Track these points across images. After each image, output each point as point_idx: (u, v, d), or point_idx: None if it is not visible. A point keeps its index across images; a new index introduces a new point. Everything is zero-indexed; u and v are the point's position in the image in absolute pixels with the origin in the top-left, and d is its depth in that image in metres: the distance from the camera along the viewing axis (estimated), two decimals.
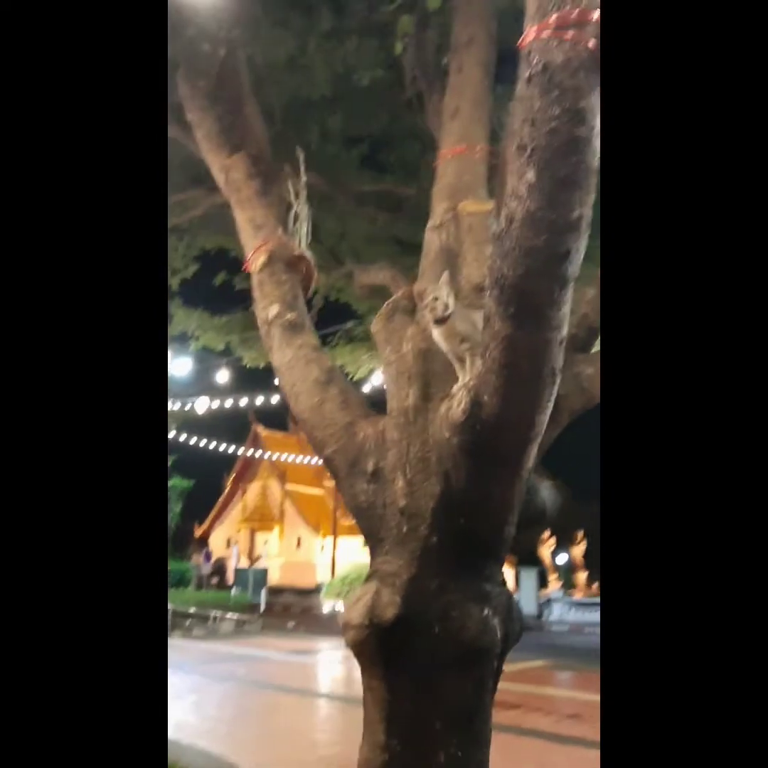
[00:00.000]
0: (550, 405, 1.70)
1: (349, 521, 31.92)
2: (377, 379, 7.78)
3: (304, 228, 2.66)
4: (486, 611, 1.88)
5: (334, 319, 6.76)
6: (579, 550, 32.81)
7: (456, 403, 1.78)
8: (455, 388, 1.86)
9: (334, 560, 23.77)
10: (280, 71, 4.22)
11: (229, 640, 15.02)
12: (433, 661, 1.86)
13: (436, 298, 1.85)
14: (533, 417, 1.68)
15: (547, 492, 2.38)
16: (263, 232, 2.62)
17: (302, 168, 2.71)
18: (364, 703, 1.99)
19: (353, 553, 28.30)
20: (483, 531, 1.89)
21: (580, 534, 32.32)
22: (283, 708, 8.98)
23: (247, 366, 6.60)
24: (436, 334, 1.88)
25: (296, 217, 2.67)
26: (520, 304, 1.53)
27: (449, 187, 2.27)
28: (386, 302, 2.22)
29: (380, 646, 1.89)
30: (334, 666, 12.53)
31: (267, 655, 13.23)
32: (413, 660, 1.87)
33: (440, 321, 1.85)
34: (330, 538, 26.71)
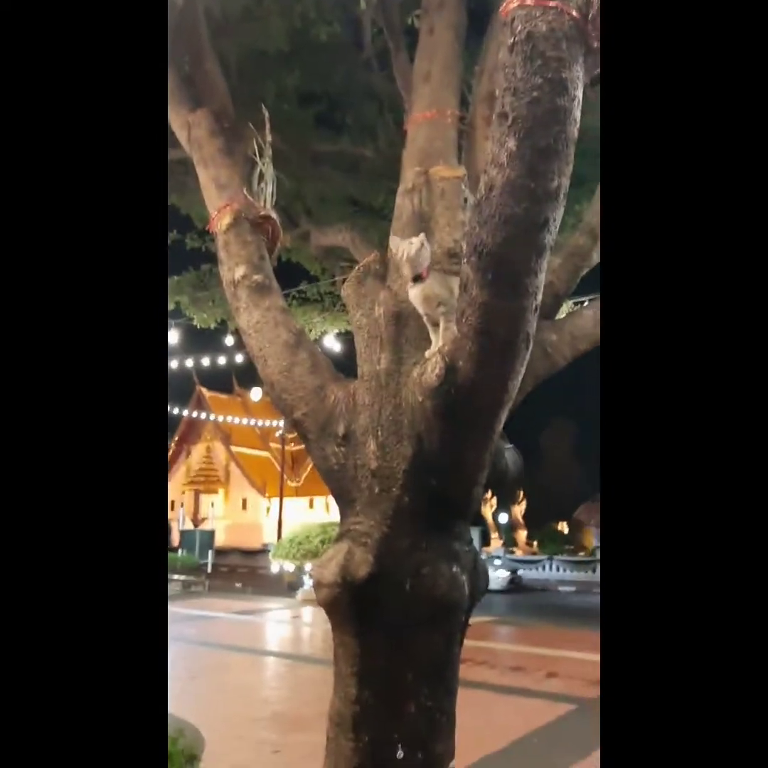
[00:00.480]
0: (523, 370, 1.75)
1: (295, 483, 32.00)
2: (329, 342, 7.78)
3: (269, 188, 2.62)
4: (455, 568, 1.94)
5: (286, 281, 6.69)
6: (519, 509, 33.82)
7: (430, 368, 1.81)
8: (429, 352, 1.89)
9: (280, 521, 23.85)
10: (235, 24, 4.09)
11: (177, 601, 15.00)
12: (404, 617, 1.92)
13: (411, 243, 1.87)
14: (506, 382, 1.72)
15: (509, 454, 2.45)
16: (228, 192, 2.57)
17: (267, 127, 2.66)
18: (335, 658, 2.05)
19: (300, 513, 28.43)
20: (454, 492, 1.95)
21: (521, 494, 33.27)
22: (233, 667, 9.08)
23: (199, 326, 6.49)
24: (413, 295, 1.90)
25: (261, 177, 2.62)
26: (498, 271, 1.56)
27: (420, 151, 2.26)
28: (358, 266, 2.22)
29: (353, 604, 1.94)
30: (281, 625, 12.68)
31: (215, 616, 13.29)
32: (385, 616, 1.93)
33: (417, 278, 1.87)
34: (276, 500, 26.75)
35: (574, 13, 1.48)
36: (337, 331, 7.32)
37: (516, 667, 8.69)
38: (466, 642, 2.08)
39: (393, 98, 4.61)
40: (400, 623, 1.93)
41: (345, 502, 2.07)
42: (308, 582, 15.31)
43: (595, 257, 2.46)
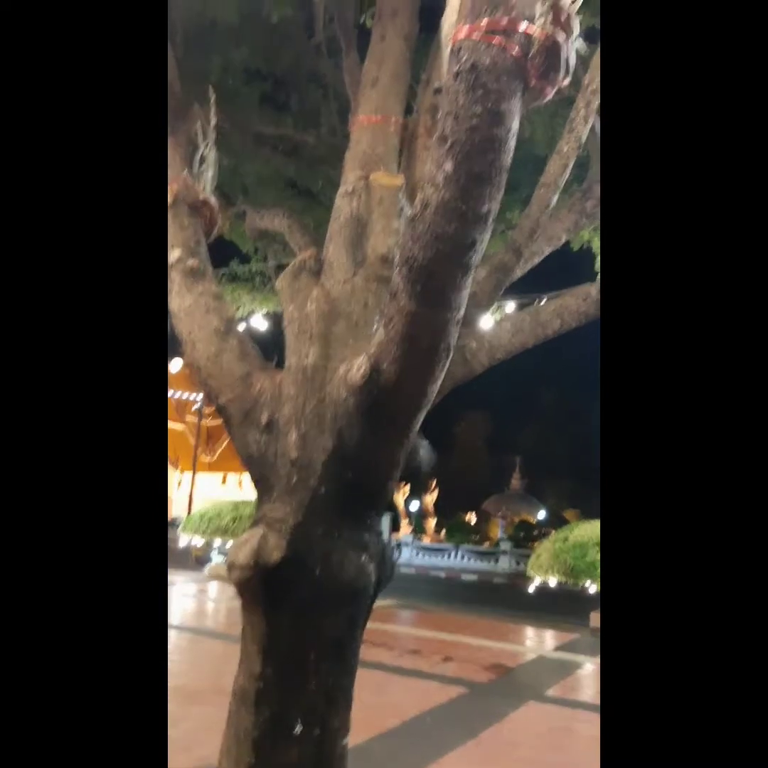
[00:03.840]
0: (442, 376, 1.87)
1: (209, 458, 31.56)
2: (256, 322, 7.77)
3: (210, 172, 2.64)
4: (364, 557, 2.05)
5: (216, 257, 6.62)
6: (431, 498, 34.51)
7: (356, 367, 1.91)
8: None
9: (191, 496, 23.54)
10: None
11: None
12: (312, 600, 2.02)
13: None
14: (426, 386, 1.84)
15: (423, 451, 2.58)
16: (168, 172, 2.58)
17: (213, 109, 2.67)
18: (242, 635, 2.13)
19: (212, 489, 28.08)
20: (368, 485, 2.05)
21: (433, 483, 33.93)
22: None
23: None
24: None
25: (203, 160, 2.64)
26: (426, 284, 1.66)
27: (363, 155, 2.34)
28: (294, 261, 2.29)
29: (264, 586, 2.02)
30: (186, 599, 12.59)
31: None
32: (294, 599, 2.02)
33: None
34: (188, 474, 26.33)
35: (516, 50, 1.59)
36: (265, 310, 7.32)
37: (414, 650, 8.95)
38: (368, 624, 2.19)
39: (339, 86, 4.65)
40: (308, 606, 2.03)
41: (263, 488, 2.14)
42: (216, 558, 15.22)
43: (518, 272, 2.61)
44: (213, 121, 2.69)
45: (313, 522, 2.04)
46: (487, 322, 3.20)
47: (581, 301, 2.47)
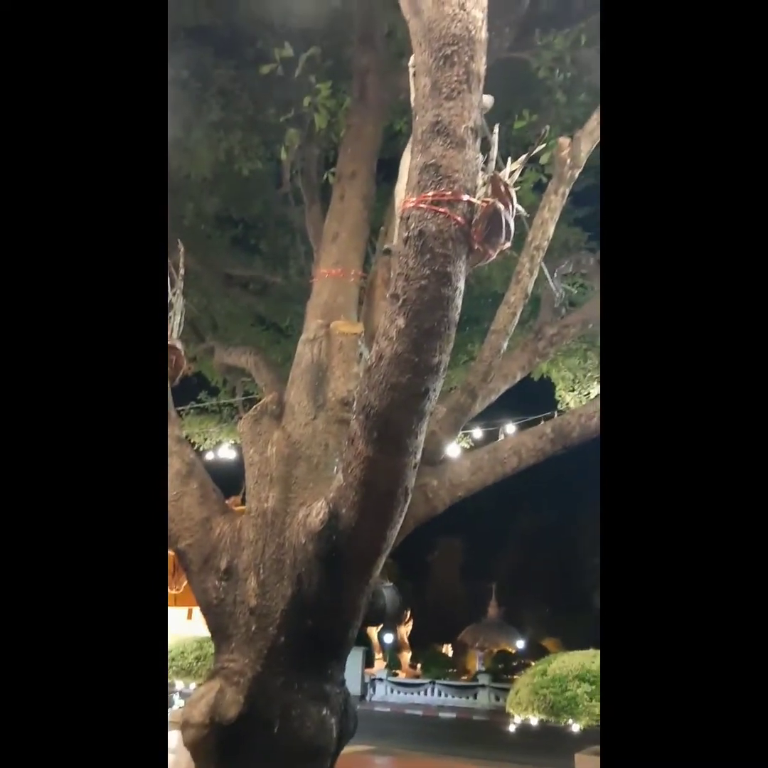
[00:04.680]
0: (401, 520, 1.88)
1: (175, 590, 30.27)
2: (223, 452, 7.75)
3: (177, 318, 2.72)
4: (325, 711, 1.97)
5: (186, 388, 6.70)
6: (405, 629, 33.14)
7: (315, 512, 1.92)
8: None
9: None
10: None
11: None
12: (270, 758, 1.92)
13: None
14: (385, 531, 1.85)
15: (387, 593, 2.54)
16: None
17: (182, 260, 2.80)
18: None
19: (177, 624, 26.73)
20: (329, 633, 2.01)
21: (408, 613, 32.72)
22: None
23: None
24: None
25: (171, 307, 2.74)
26: (382, 430, 1.71)
27: (324, 305, 2.46)
28: (255, 405, 2.34)
29: (219, 745, 1.92)
30: None
31: None
32: (251, 757, 1.92)
33: None
34: None
35: (459, 218, 1.73)
36: (232, 441, 7.33)
37: None
38: None
39: (305, 230, 4.93)
40: (265, 764, 1.93)
41: (221, 638, 2.08)
42: (178, 702, 14.28)
43: (476, 409, 2.70)
44: (181, 270, 2.81)
45: (272, 673, 1.97)
46: (453, 450, 3.26)
47: (537, 439, 2.55)
